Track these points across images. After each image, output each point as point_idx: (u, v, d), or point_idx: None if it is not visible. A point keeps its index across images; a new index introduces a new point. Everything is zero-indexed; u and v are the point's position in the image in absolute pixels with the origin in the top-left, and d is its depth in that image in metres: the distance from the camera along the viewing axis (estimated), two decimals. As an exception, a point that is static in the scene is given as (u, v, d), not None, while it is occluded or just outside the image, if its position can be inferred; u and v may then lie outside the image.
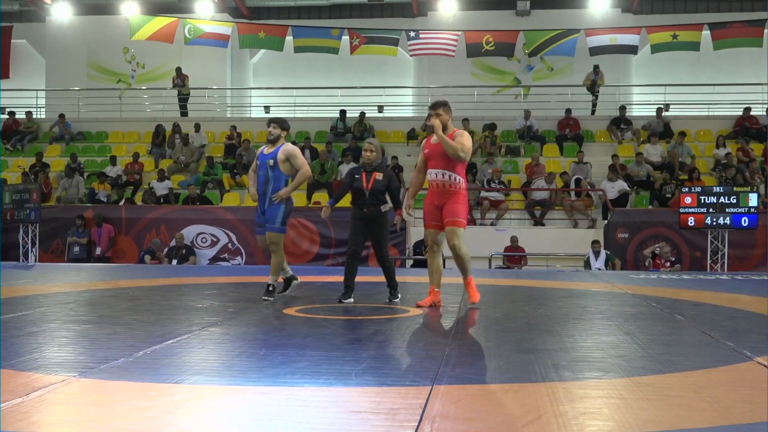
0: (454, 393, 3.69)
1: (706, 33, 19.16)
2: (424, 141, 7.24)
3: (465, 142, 6.85)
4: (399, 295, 7.61)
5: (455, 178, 6.88)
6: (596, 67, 20.23)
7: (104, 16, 23.59)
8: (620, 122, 19.65)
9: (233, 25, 20.34)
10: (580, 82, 20.88)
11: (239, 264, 14.96)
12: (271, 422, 3.19)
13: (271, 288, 7.46)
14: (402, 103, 22.51)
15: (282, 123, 7.61)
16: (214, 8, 22.90)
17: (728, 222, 13.70)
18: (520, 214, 17.20)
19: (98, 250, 15.76)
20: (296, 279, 7.93)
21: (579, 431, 3.10)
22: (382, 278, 7.57)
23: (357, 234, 7.59)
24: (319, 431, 3.09)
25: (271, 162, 7.42)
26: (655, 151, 18.10)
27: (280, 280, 7.84)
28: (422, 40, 19.86)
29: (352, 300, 7.39)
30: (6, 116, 21.39)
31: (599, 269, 13.86)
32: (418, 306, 7.08)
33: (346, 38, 19.75)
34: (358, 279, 7.62)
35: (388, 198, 7.64)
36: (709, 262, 14.16)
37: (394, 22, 22.24)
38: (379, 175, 7.57)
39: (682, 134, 18.39)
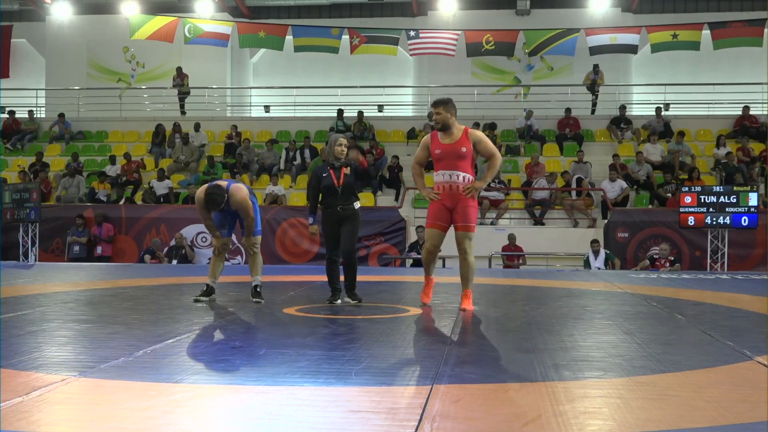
0: (454, 392, 3.69)
1: (706, 32, 19.17)
2: (428, 137, 6.86)
3: (491, 146, 6.77)
4: (360, 298, 7.27)
5: (468, 179, 6.67)
6: (596, 66, 20.23)
7: (104, 16, 23.58)
8: (620, 122, 19.65)
9: (233, 25, 20.35)
10: (580, 82, 20.89)
11: (239, 264, 14.95)
12: (271, 422, 3.19)
13: (259, 289, 7.46)
14: (402, 103, 22.52)
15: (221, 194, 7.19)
16: (214, 7, 22.90)
17: (728, 221, 13.71)
18: (520, 213, 17.20)
19: (99, 249, 15.77)
20: (214, 293, 7.51)
21: (579, 430, 3.10)
22: (382, 278, 7.53)
23: (332, 238, 7.23)
24: (319, 431, 3.09)
25: (236, 212, 7.39)
26: (655, 151, 18.10)
27: (219, 280, 7.74)
28: (422, 40, 19.86)
29: (340, 301, 7.29)
30: (6, 116, 21.39)
31: (599, 269, 13.86)
32: (424, 302, 7.08)
33: (346, 37, 19.77)
34: (359, 278, 7.60)
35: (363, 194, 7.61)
36: (709, 261, 14.16)
37: (394, 21, 22.24)
38: (347, 170, 7.24)
39: (681, 134, 18.39)
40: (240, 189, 7.29)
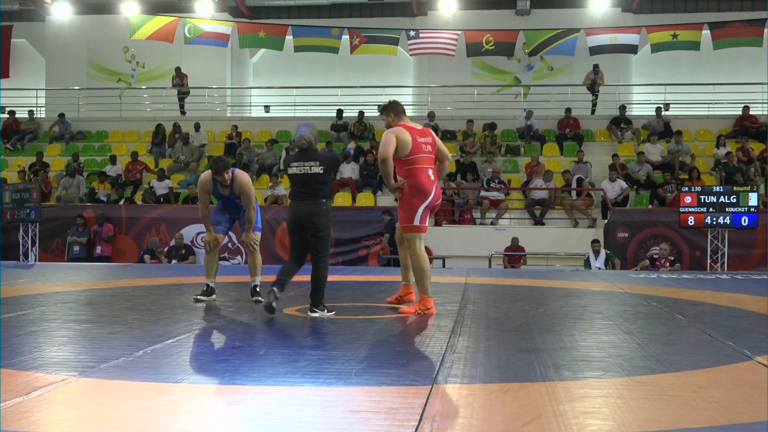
0: (454, 392, 3.70)
1: (706, 32, 19.17)
2: None
3: (381, 146, 6.59)
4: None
5: (401, 180, 6.63)
6: (596, 66, 20.23)
7: (104, 16, 23.58)
8: (620, 122, 19.65)
9: (233, 25, 20.35)
10: (580, 82, 20.88)
11: (239, 264, 14.95)
12: (271, 421, 3.19)
13: (258, 288, 7.46)
14: (402, 103, 22.46)
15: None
16: (214, 7, 22.90)
17: (728, 221, 13.70)
18: (520, 213, 17.20)
19: (98, 249, 15.75)
20: (215, 293, 7.50)
21: (579, 430, 3.10)
22: (382, 278, 7.47)
23: None
24: (319, 431, 3.09)
25: (238, 200, 7.40)
26: (655, 151, 18.09)
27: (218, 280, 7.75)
28: (422, 40, 19.86)
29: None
30: (6, 116, 21.39)
31: (599, 268, 13.86)
32: (388, 302, 6.99)
33: (346, 38, 19.76)
34: (359, 278, 7.60)
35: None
36: (709, 261, 14.16)
37: (394, 21, 22.23)
38: None
39: (678, 133, 18.40)
40: (244, 173, 7.42)
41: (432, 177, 6.66)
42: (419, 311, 6.56)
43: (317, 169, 6.43)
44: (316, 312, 6.34)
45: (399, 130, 6.63)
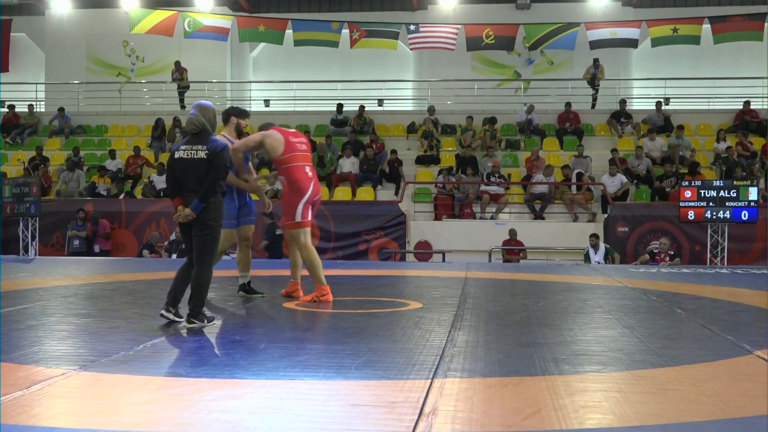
0: (453, 386, 3.70)
1: (706, 27, 19.14)
2: None
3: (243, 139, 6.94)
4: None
5: (282, 179, 6.96)
6: (596, 60, 20.20)
7: (104, 10, 23.52)
8: (620, 116, 19.63)
9: (233, 19, 20.32)
10: (580, 76, 20.85)
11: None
12: (271, 415, 3.20)
13: (250, 284, 7.37)
14: (402, 97, 22.49)
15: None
16: (214, 1, 22.85)
17: (728, 216, 13.69)
18: (520, 207, 17.20)
19: (96, 248, 15.70)
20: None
21: (579, 424, 3.10)
22: (382, 272, 7.42)
23: None
24: (319, 424, 3.09)
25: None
26: (655, 147, 18.08)
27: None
28: (422, 34, 19.82)
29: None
30: (6, 110, 21.37)
31: (599, 263, 13.86)
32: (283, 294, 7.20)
33: (346, 32, 19.73)
34: (357, 272, 7.60)
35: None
36: (708, 255, 14.16)
37: (394, 15, 22.21)
38: None
39: (680, 128, 18.39)
40: None
41: (309, 174, 6.94)
42: (315, 299, 6.85)
43: (202, 154, 5.52)
44: (194, 323, 5.41)
45: (270, 133, 7.03)
